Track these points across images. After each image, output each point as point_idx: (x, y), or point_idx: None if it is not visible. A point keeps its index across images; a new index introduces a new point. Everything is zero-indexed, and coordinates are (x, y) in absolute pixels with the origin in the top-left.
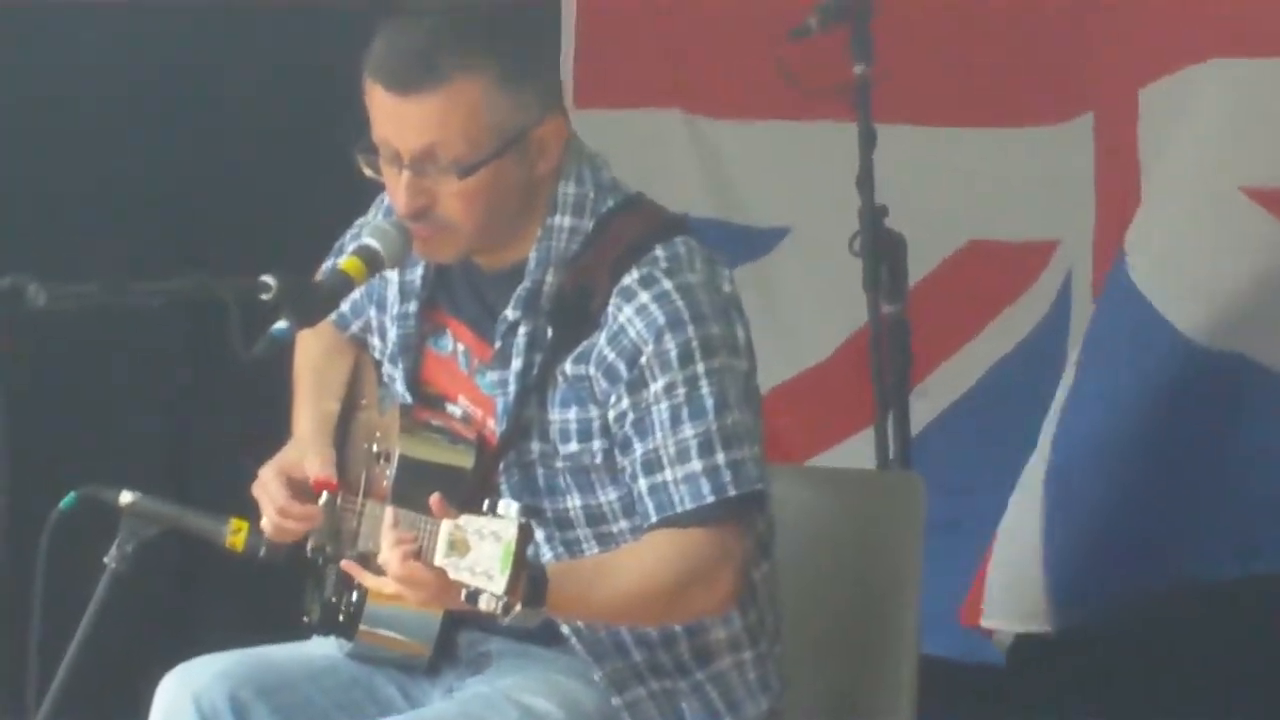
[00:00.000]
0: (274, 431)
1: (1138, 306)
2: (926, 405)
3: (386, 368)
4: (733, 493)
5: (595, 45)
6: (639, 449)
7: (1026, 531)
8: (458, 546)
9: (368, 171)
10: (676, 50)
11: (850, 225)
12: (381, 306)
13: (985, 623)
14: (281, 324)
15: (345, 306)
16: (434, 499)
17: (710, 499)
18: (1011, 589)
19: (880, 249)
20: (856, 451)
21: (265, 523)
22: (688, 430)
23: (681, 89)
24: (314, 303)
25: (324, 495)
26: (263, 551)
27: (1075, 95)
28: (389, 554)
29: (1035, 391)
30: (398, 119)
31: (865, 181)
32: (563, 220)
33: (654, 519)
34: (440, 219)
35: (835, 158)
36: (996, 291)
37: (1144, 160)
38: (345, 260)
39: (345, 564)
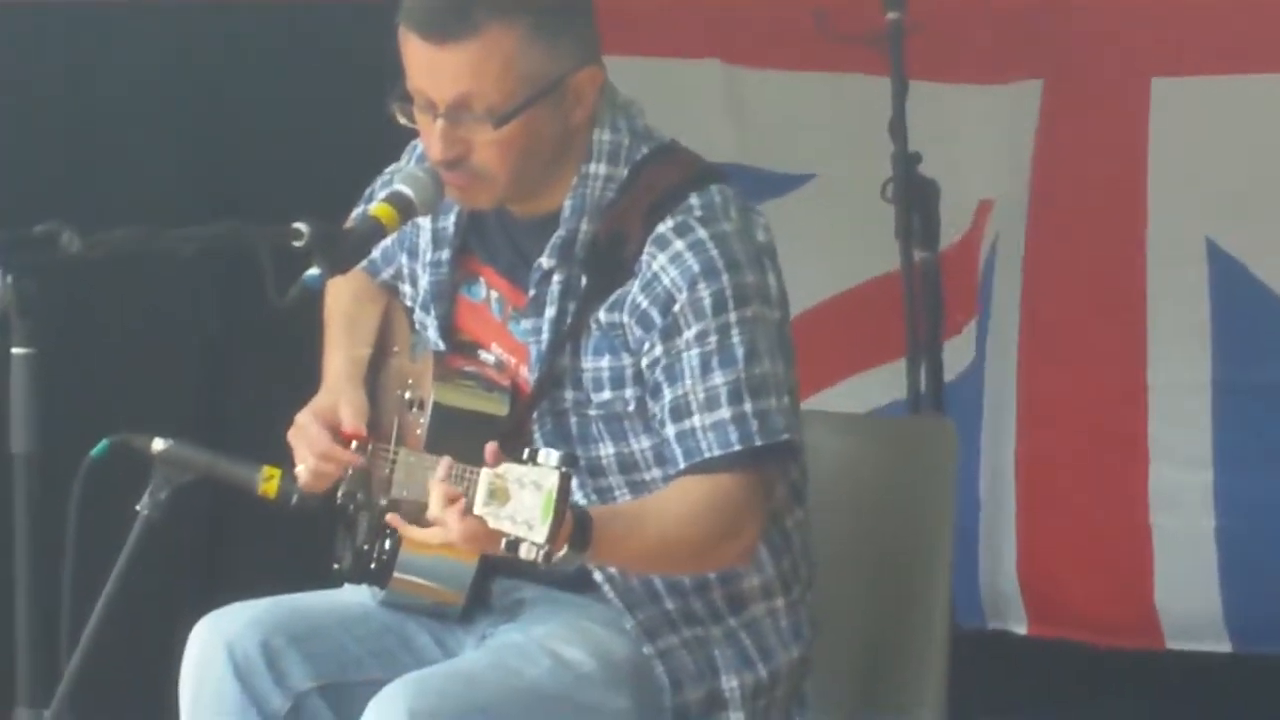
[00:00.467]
0: (306, 378)
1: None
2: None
3: (419, 315)
4: (759, 442)
5: None
6: (668, 394)
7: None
8: (498, 495)
9: (402, 120)
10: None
11: (878, 174)
12: (413, 254)
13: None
14: (314, 271)
15: (376, 253)
16: (489, 448)
17: (737, 447)
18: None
19: (913, 196)
20: (885, 381)
21: (301, 468)
22: (717, 378)
23: (713, 38)
24: (346, 249)
25: (354, 446)
26: (295, 499)
27: (1027, 59)
28: (437, 508)
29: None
30: (432, 68)
31: (898, 127)
32: (598, 168)
33: (682, 465)
34: (475, 167)
35: (866, 108)
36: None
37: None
38: (377, 206)
39: (391, 518)
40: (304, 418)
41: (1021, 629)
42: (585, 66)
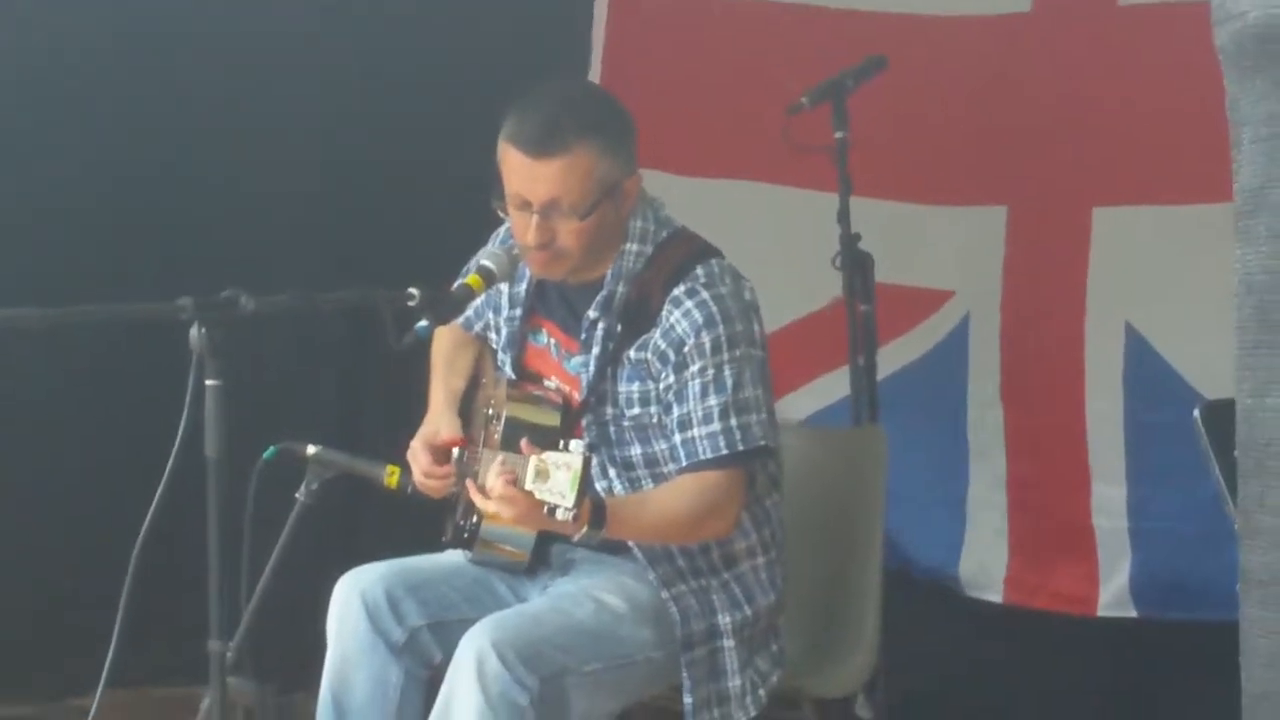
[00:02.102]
0: (413, 400)
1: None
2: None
3: (500, 355)
4: (740, 448)
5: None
6: (677, 412)
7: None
8: (541, 475)
9: (500, 214)
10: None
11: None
12: (498, 310)
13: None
14: (423, 323)
15: (472, 312)
16: (524, 441)
17: (724, 451)
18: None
19: (854, 265)
20: (835, 382)
21: (415, 480)
22: (712, 400)
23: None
24: (446, 307)
25: (455, 451)
26: (410, 489)
27: (990, 187)
28: (493, 481)
29: (941, 391)
30: (530, 176)
31: (844, 215)
32: (632, 246)
33: (684, 463)
34: (559, 249)
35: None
36: (896, 321)
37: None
38: (469, 277)
39: (467, 485)
40: (415, 444)
41: (997, 598)
42: (633, 174)
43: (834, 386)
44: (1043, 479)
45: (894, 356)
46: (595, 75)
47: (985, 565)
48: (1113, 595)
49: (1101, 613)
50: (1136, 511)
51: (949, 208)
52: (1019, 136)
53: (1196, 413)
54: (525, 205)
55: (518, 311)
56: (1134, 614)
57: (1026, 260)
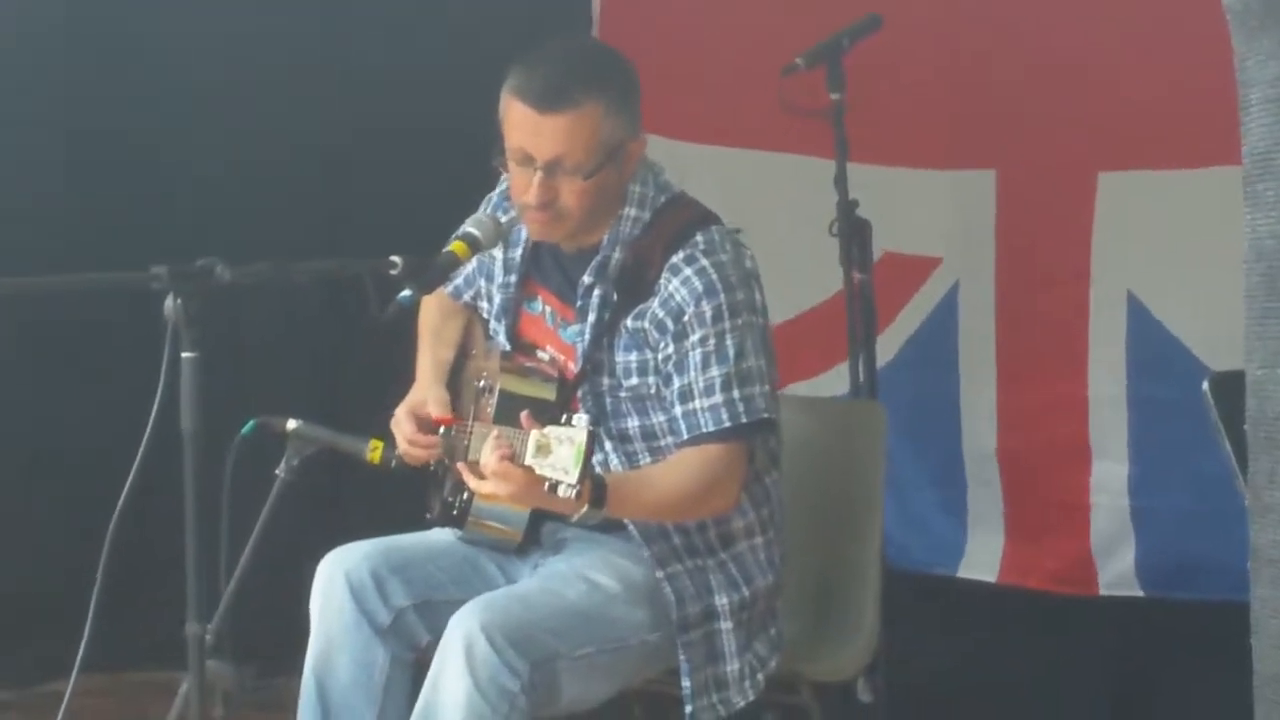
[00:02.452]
0: (397, 373)
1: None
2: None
3: (493, 324)
4: (744, 420)
5: None
6: (677, 383)
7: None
8: (542, 449)
9: (501, 170)
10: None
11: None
12: (490, 278)
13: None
14: (407, 292)
15: (461, 280)
16: (524, 415)
17: (727, 423)
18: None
19: (852, 231)
20: (836, 379)
21: (399, 448)
22: (714, 371)
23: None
24: (430, 275)
25: (442, 428)
26: (395, 464)
27: (979, 151)
28: (488, 456)
29: (932, 367)
30: (535, 132)
31: (841, 180)
32: (630, 211)
33: (685, 437)
34: (559, 209)
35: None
36: (891, 294)
37: (1098, 230)
38: (453, 243)
39: (459, 465)
40: (400, 412)
41: (991, 579)
42: (637, 137)
43: (830, 388)
44: (1037, 455)
45: (891, 334)
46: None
47: (980, 545)
48: (1117, 574)
49: (1104, 592)
50: (1139, 489)
51: (935, 171)
52: (1015, 98)
53: (1205, 385)
54: (528, 161)
55: (512, 278)
56: (1139, 593)
57: (1021, 227)
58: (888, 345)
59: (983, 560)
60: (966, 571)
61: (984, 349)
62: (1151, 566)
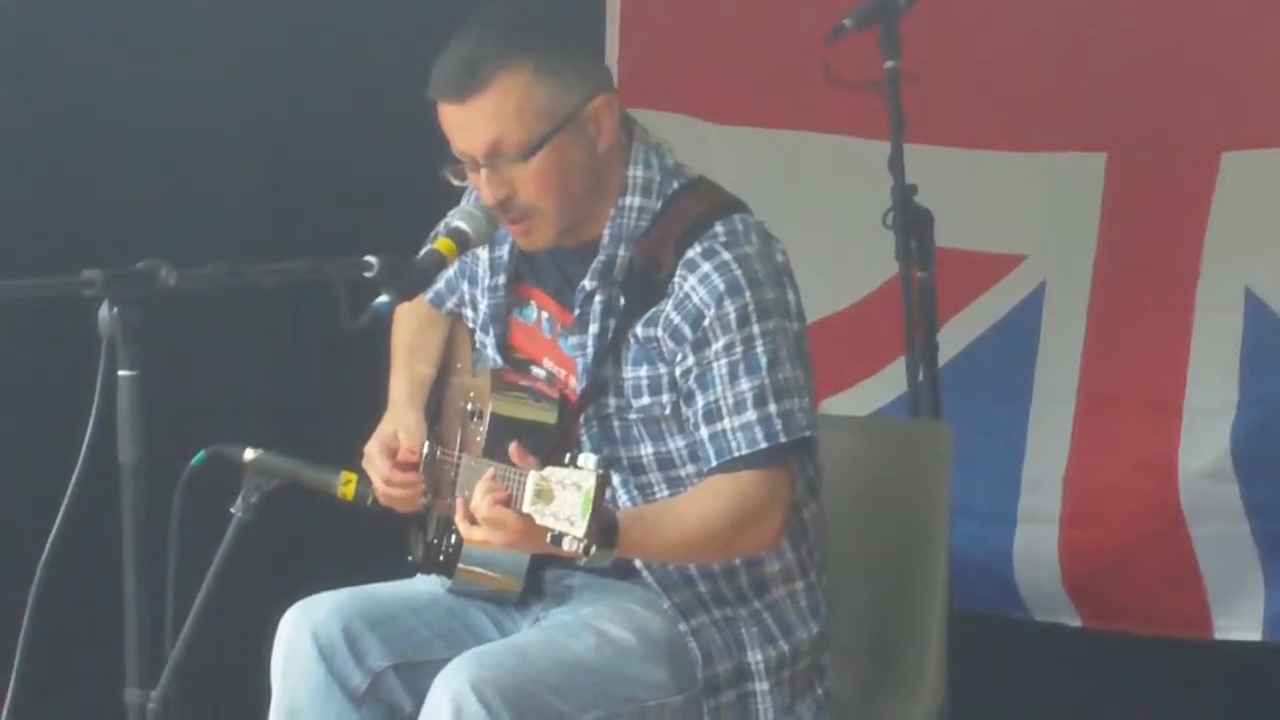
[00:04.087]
0: (368, 393)
1: None
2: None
3: (479, 335)
4: (784, 439)
5: (636, 49)
6: (700, 400)
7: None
8: (543, 495)
9: (455, 181)
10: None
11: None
12: (474, 281)
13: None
14: (383, 298)
15: (441, 285)
16: (512, 447)
17: (763, 444)
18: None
19: (910, 223)
20: (890, 380)
21: (377, 492)
22: (744, 384)
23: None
24: (412, 279)
25: (425, 449)
26: (370, 500)
27: (1089, 132)
28: (479, 500)
29: (999, 380)
30: (461, 125)
31: (896, 162)
32: (632, 200)
33: (714, 463)
34: (524, 204)
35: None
36: (954, 293)
37: (1214, 217)
38: (438, 241)
39: (459, 517)
40: (371, 448)
41: (1075, 622)
42: (597, 95)
43: (886, 388)
44: (1116, 483)
45: (948, 338)
46: (613, 14)
47: (1043, 584)
48: (1237, 614)
49: (1219, 636)
50: (1260, 512)
51: (1023, 154)
52: (1125, 69)
53: None
54: (472, 163)
55: (500, 279)
56: (1258, 637)
57: (1131, 219)
58: (948, 341)
59: (1053, 603)
60: (1043, 616)
61: (1067, 360)
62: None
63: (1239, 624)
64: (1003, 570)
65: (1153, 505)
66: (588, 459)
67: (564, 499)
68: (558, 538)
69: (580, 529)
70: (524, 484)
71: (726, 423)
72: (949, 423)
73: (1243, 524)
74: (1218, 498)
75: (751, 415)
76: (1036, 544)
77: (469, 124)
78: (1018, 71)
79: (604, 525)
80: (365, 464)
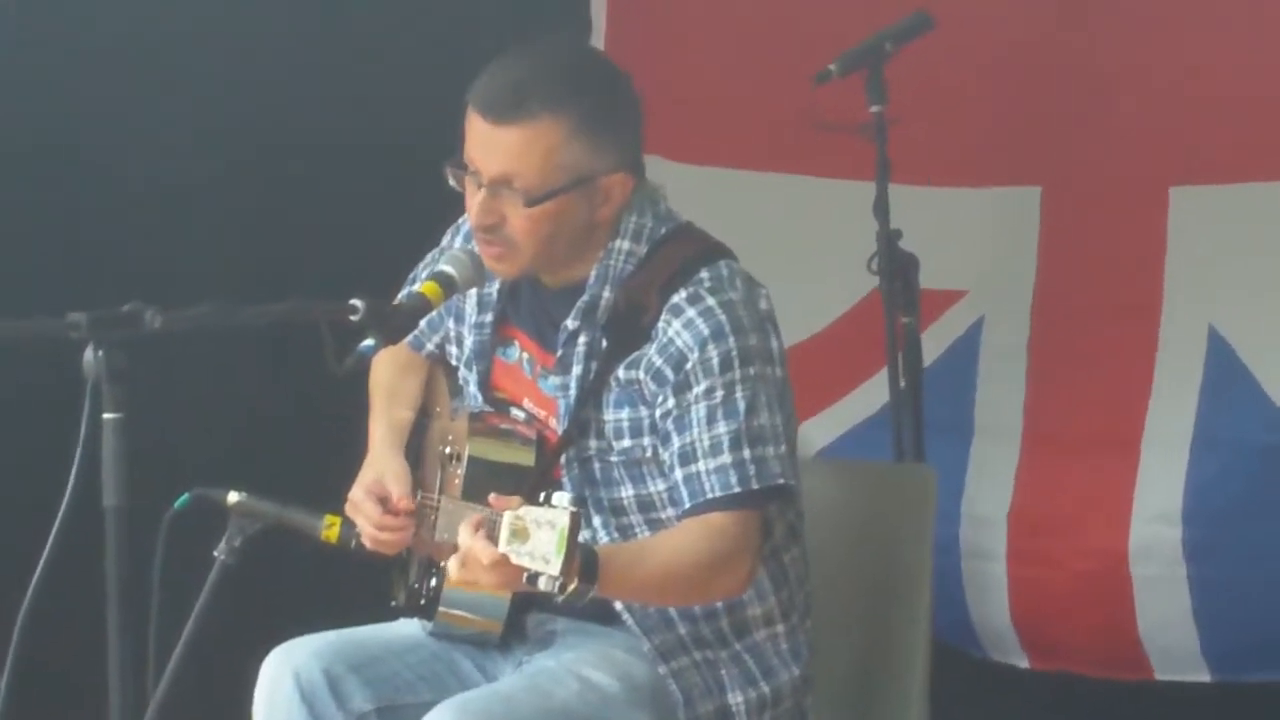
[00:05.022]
0: (359, 438)
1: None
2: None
3: (462, 372)
4: (755, 485)
5: None
6: (678, 442)
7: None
8: (519, 534)
9: (451, 182)
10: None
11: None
12: (460, 318)
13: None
14: (369, 341)
15: (423, 324)
16: (492, 498)
17: (736, 489)
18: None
19: (895, 268)
20: (871, 392)
21: (365, 538)
22: (721, 428)
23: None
24: (397, 322)
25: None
26: (354, 543)
27: (1023, 166)
28: (466, 539)
29: (939, 416)
30: (485, 143)
31: (881, 206)
32: (623, 244)
33: (687, 504)
34: (506, 236)
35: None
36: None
37: (1172, 254)
38: (424, 284)
39: (452, 559)
40: (356, 494)
41: (1023, 663)
42: (619, 171)
43: (870, 400)
44: (1063, 522)
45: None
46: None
47: (994, 621)
48: (1173, 657)
49: (1162, 676)
50: (1198, 557)
51: (961, 189)
52: (1068, 103)
53: None
54: (475, 177)
55: (488, 317)
56: (1206, 678)
57: (1070, 252)
58: (871, 395)
59: (1005, 643)
60: (997, 655)
61: (1009, 396)
62: (1219, 645)
63: (1178, 665)
64: (958, 603)
65: (1099, 544)
66: (561, 498)
67: (539, 538)
68: (534, 577)
69: (555, 567)
70: (499, 524)
71: (701, 465)
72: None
73: (1180, 567)
74: (1163, 539)
75: (726, 459)
76: (983, 580)
77: (491, 147)
78: (954, 107)
79: (584, 561)
80: (350, 510)
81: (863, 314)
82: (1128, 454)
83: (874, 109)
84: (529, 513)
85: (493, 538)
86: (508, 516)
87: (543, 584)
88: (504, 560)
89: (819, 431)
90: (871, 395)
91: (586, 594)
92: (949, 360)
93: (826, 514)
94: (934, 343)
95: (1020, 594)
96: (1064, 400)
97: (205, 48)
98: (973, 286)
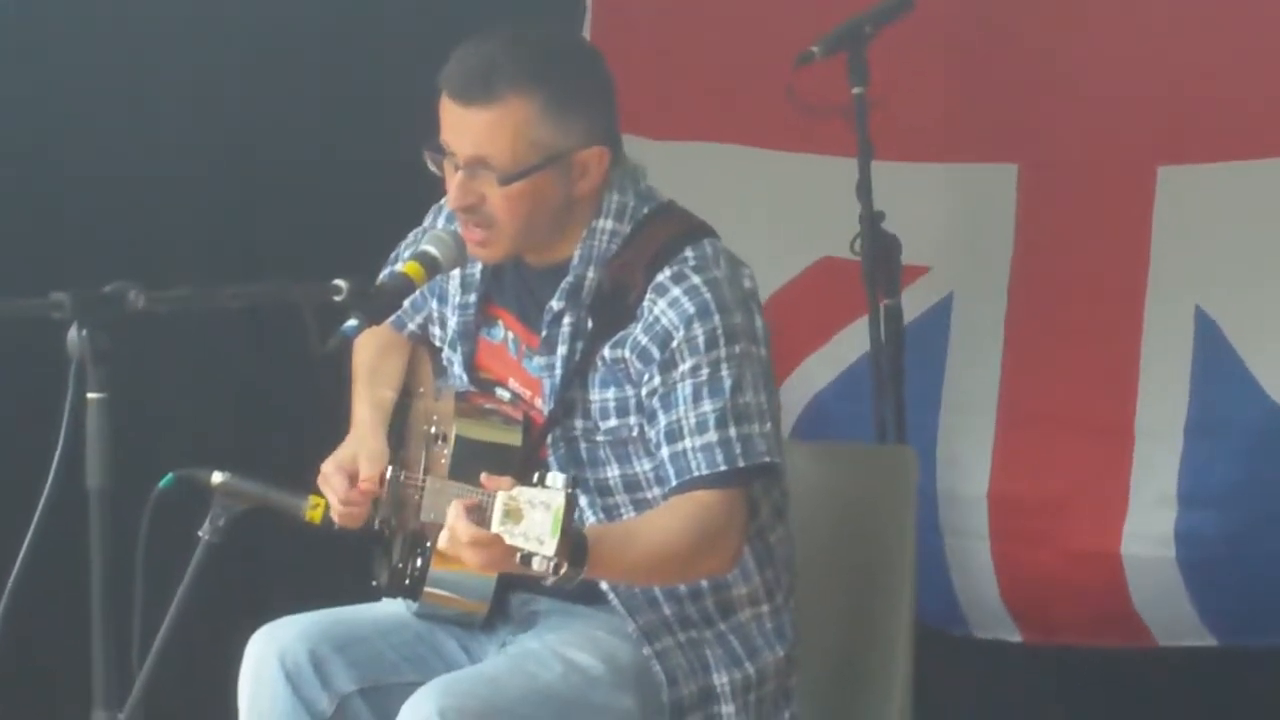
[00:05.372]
0: (333, 416)
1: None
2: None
3: (446, 353)
4: (742, 463)
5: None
6: (663, 420)
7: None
8: (512, 515)
9: (431, 166)
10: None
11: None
12: (443, 299)
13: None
14: (352, 322)
15: (406, 304)
16: (484, 478)
17: (723, 466)
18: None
19: (877, 250)
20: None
21: (332, 511)
22: (707, 405)
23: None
24: (380, 302)
25: (389, 473)
26: (337, 524)
27: (999, 143)
28: (454, 520)
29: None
30: (457, 125)
31: (864, 188)
32: (605, 223)
33: (674, 482)
34: (486, 216)
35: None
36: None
37: (1158, 233)
38: (407, 264)
39: (442, 541)
40: (328, 467)
41: (1015, 638)
42: (594, 145)
43: (850, 348)
44: (1052, 503)
45: (852, 346)
46: (585, 27)
47: (983, 599)
48: (1177, 626)
49: (1165, 643)
50: (1192, 541)
51: (930, 165)
52: (1046, 80)
53: None
54: (452, 160)
55: (471, 298)
56: (1213, 642)
57: (1050, 231)
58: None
59: (993, 619)
60: (982, 633)
61: (983, 374)
62: (1215, 610)
63: (1180, 633)
64: (940, 581)
65: (1093, 526)
66: (555, 478)
67: (533, 518)
68: (527, 557)
69: (550, 548)
70: (491, 504)
71: (687, 443)
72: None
73: (1173, 549)
74: (1156, 521)
75: (712, 437)
76: (967, 558)
77: (463, 129)
78: (927, 84)
79: (573, 544)
80: (321, 482)
81: (826, 267)
82: (1122, 438)
83: (855, 91)
84: (522, 493)
85: (484, 519)
86: (501, 497)
87: (536, 565)
88: (497, 540)
89: (802, 386)
90: (849, 343)
91: (576, 577)
92: (915, 335)
93: (807, 496)
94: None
95: (1008, 572)
96: (1044, 379)
97: (191, 30)
98: (939, 263)
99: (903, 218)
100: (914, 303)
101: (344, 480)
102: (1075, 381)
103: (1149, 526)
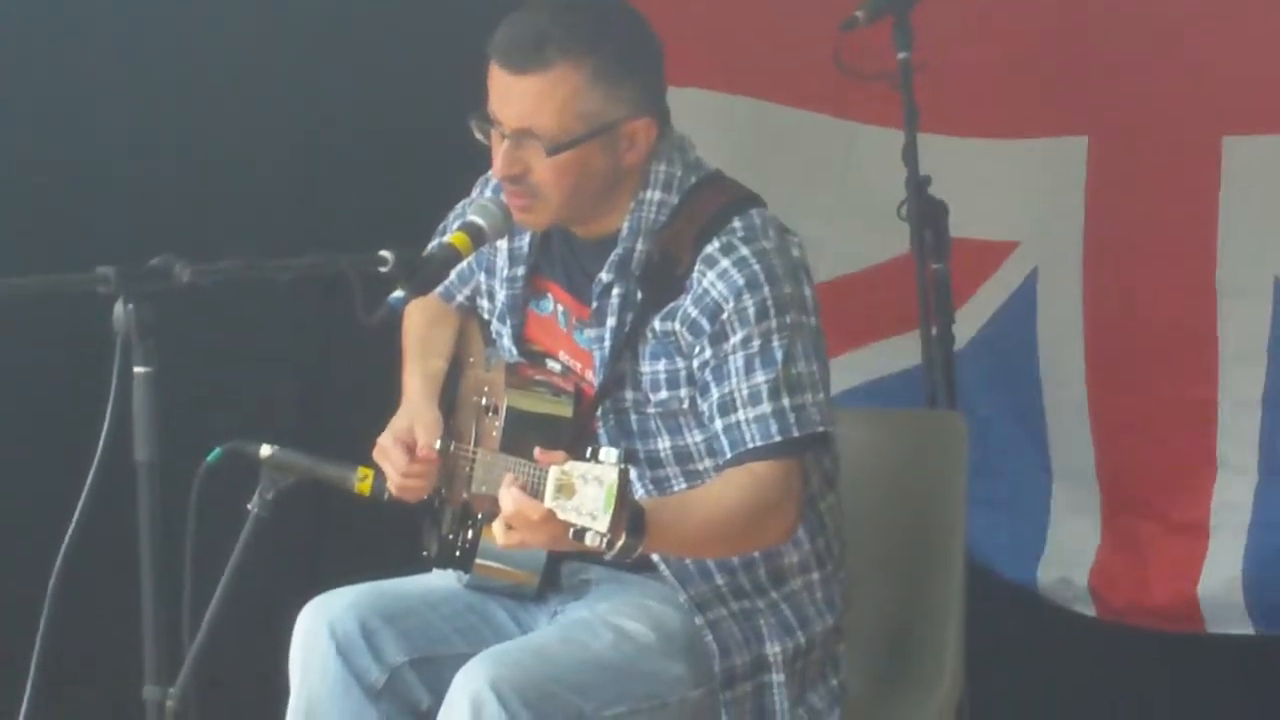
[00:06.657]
0: (385, 389)
1: None
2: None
3: (495, 326)
4: (796, 433)
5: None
6: (716, 393)
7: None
8: (564, 490)
9: (478, 135)
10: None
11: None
12: (491, 272)
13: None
14: (398, 293)
15: (453, 276)
16: (538, 452)
17: (777, 438)
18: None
19: (924, 215)
20: (900, 349)
21: (390, 484)
22: (760, 377)
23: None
24: (427, 273)
25: (439, 442)
26: (387, 495)
27: (1070, 116)
28: (505, 498)
29: (1005, 370)
30: (505, 94)
31: (910, 153)
32: (653, 194)
33: (729, 455)
34: (532, 186)
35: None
36: (958, 283)
37: (1225, 204)
38: (453, 235)
39: (496, 524)
40: (385, 440)
41: (1089, 612)
42: (642, 116)
43: (899, 356)
44: (1149, 470)
45: (959, 329)
46: None
47: (1069, 575)
48: (1226, 613)
49: (1211, 629)
50: (1263, 504)
51: (1007, 140)
52: (1114, 51)
53: None
54: (499, 129)
55: (520, 270)
56: (1250, 630)
57: (1119, 202)
58: (898, 350)
59: (1072, 592)
60: (1058, 603)
61: (1068, 348)
62: (1263, 598)
63: (1226, 621)
64: (1028, 562)
65: (1186, 501)
66: (609, 453)
67: (585, 493)
68: (580, 532)
69: (604, 523)
70: (544, 479)
71: (741, 414)
72: (966, 413)
73: (1245, 514)
74: (1239, 498)
75: (766, 408)
76: (1071, 538)
77: (512, 97)
78: (1000, 57)
79: (632, 515)
80: (378, 455)
81: (896, 269)
82: (1206, 409)
83: (901, 55)
84: (575, 467)
85: (537, 493)
86: (553, 471)
87: (589, 539)
88: (550, 515)
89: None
90: (899, 351)
91: (635, 549)
92: (1009, 312)
93: (858, 463)
94: (994, 294)
95: (1109, 554)
96: (1124, 350)
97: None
98: (1023, 237)
99: (990, 194)
100: (1006, 279)
101: (403, 453)
102: (1153, 351)
103: (1233, 502)
